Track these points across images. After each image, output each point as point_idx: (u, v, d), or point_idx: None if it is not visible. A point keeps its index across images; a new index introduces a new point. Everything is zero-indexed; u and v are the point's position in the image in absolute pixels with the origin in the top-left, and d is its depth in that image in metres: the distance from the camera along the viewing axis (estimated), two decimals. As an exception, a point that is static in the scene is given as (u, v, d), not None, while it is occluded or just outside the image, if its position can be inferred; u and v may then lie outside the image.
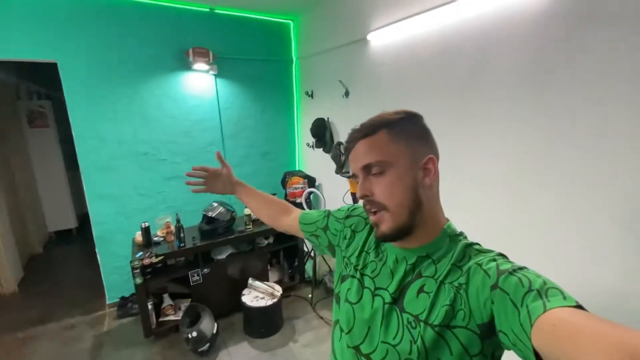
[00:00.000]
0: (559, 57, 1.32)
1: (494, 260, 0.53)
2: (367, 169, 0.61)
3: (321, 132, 2.83)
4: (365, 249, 0.72)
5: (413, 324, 0.57)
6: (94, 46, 2.43)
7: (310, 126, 2.93)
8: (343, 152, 2.64)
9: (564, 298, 0.42)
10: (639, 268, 1.14)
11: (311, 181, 3.15)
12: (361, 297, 0.66)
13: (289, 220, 0.93)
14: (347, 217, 0.81)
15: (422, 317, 0.56)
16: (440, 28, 1.79)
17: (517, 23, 1.44)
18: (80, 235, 4.45)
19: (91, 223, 2.62)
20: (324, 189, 3.16)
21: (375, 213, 0.61)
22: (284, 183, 3.22)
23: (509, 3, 1.45)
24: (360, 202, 0.68)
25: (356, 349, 0.65)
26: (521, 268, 0.49)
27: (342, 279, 0.73)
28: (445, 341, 0.53)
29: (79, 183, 2.69)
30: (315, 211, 0.90)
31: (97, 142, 2.54)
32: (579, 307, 0.41)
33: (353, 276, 0.70)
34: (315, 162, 3.24)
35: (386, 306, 0.61)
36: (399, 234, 0.60)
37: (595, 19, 1.20)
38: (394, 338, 0.59)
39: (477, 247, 0.60)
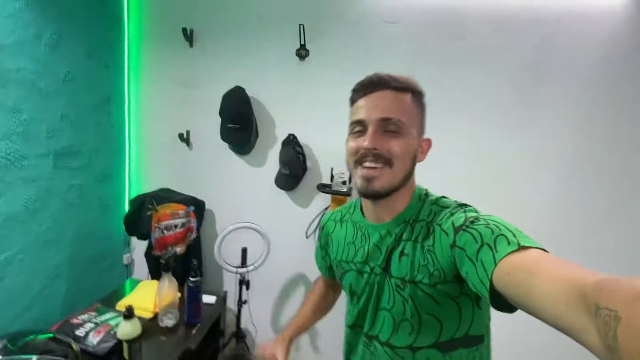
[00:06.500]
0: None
1: (451, 215, 0.56)
2: (384, 122, 0.59)
3: (244, 115, 1.48)
4: (349, 241, 0.72)
5: (401, 286, 0.60)
6: None
7: (211, 102, 1.47)
8: (301, 151, 1.53)
9: (509, 243, 0.44)
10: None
11: (199, 208, 1.62)
12: (362, 283, 0.67)
13: (330, 285, 0.90)
14: (322, 227, 0.82)
15: (407, 277, 0.59)
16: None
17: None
18: None
19: None
20: (217, 218, 1.72)
21: (373, 168, 0.59)
22: (137, 222, 1.43)
23: None
24: (350, 157, 0.64)
25: (366, 335, 0.68)
26: (472, 222, 0.51)
27: (341, 278, 0.74)
28: (432, 298, 0.57)
29: None
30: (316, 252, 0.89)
31: None
32: (522, 247, 0.42)
33: (349, 270, 0.70)
34: (191, 169, 1.69)
35: (378, 277, 0.64)
36: (389, 191, 0.60)
37: None
38: (387, 302, 0.63)
39: (441, 202, 0.63)
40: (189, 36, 1.55)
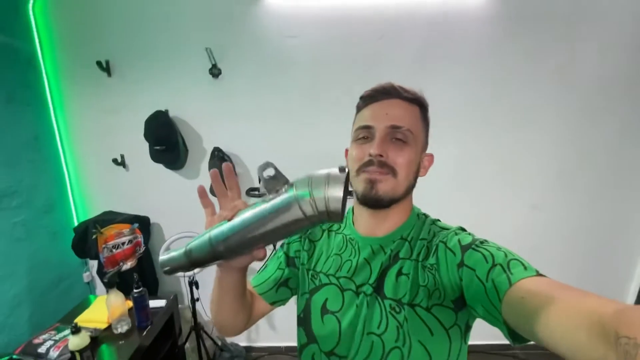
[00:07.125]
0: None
1: (456, 234, 0.56)
2: (393, 130, 0.57)
3: (168, 136, 1.63)
4: (336, 252, 0.65)
5: (397, 309, 0.55)
6: None
7: (137, 125, 1.60)
8: (229, 160, 1.71)
9: (525, 268, 0.44)
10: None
11: (143, 224, 1.78)
12: (343, 302, 0.61)
13: (252, 305, 0.68)
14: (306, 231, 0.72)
15: (406, 299, 0.55)
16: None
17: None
18: None
19: None
20: (165, 230, 1.90)
21: (379, 173, 0.57)
22: (84, 247, 1.59)
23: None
24: (353, 164, 0.60)
25: (340, 357, 0.60)
26: (482, 242, 0.52)
27: (312, 292, 0.65)
28: (427, 326, 0.54)
29: None
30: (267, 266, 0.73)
31: None
32: (539, 275, 0.43)
33: (327, 284, 0.64)
34: (132, 189, 1.84)
35: (368, 298, 0.58)
36: (391, 200, 0.58)
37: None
38: (378, 327, 0.56)
39: (440, 223, 0.63)
40: (105, 67, 1.64)
